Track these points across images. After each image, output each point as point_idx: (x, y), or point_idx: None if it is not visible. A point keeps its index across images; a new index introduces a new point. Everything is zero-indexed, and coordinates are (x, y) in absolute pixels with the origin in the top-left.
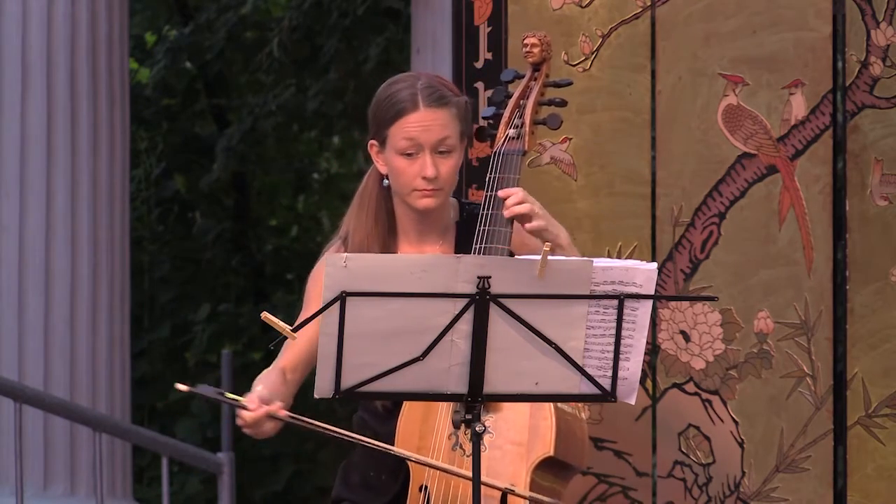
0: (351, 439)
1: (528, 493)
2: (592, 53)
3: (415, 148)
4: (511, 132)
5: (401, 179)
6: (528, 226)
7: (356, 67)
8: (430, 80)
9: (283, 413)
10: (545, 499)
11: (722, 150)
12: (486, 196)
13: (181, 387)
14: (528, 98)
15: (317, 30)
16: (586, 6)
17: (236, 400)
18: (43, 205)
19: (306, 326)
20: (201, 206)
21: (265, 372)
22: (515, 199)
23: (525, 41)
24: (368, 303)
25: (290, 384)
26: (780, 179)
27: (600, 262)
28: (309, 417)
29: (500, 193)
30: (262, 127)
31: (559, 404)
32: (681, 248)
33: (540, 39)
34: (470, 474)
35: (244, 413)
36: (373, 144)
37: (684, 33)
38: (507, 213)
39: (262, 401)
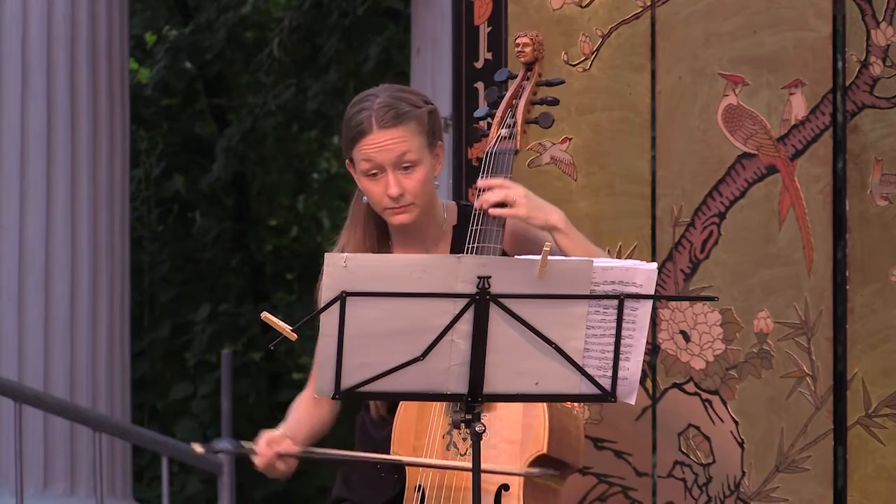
0: (357, 458)
1: (525, 470)
2: (592, 53)
3: (376, 168)
4: (503, 132)
5: (372, 200)
6: (499, 211)
7: (356, 67)
8: (388, 97)
9: (293, 449)
10: (537, 471)
11: (722, 150)
12: (479, 195)
13: (197, 448)
14: (520, 97)
15: (317, 30)
16: (586, 6)
17: (249, 448)
18: (43, 205)
19: None
20: (201, 206)
21: (298, 398)
22: (491, 193)
23: (517, 41)
24: (368, 303)
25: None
26: (780, 179)
27: (600, 262)
28: None
29: (480, 184)
30: (262, 127)
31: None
32: (681, 248)
33: (532, 39)
34: (466, 465)
35: (255, 460)
36: (348, 164)
37: (684, 33)
38: (477, 204)
39: (270, 442)
